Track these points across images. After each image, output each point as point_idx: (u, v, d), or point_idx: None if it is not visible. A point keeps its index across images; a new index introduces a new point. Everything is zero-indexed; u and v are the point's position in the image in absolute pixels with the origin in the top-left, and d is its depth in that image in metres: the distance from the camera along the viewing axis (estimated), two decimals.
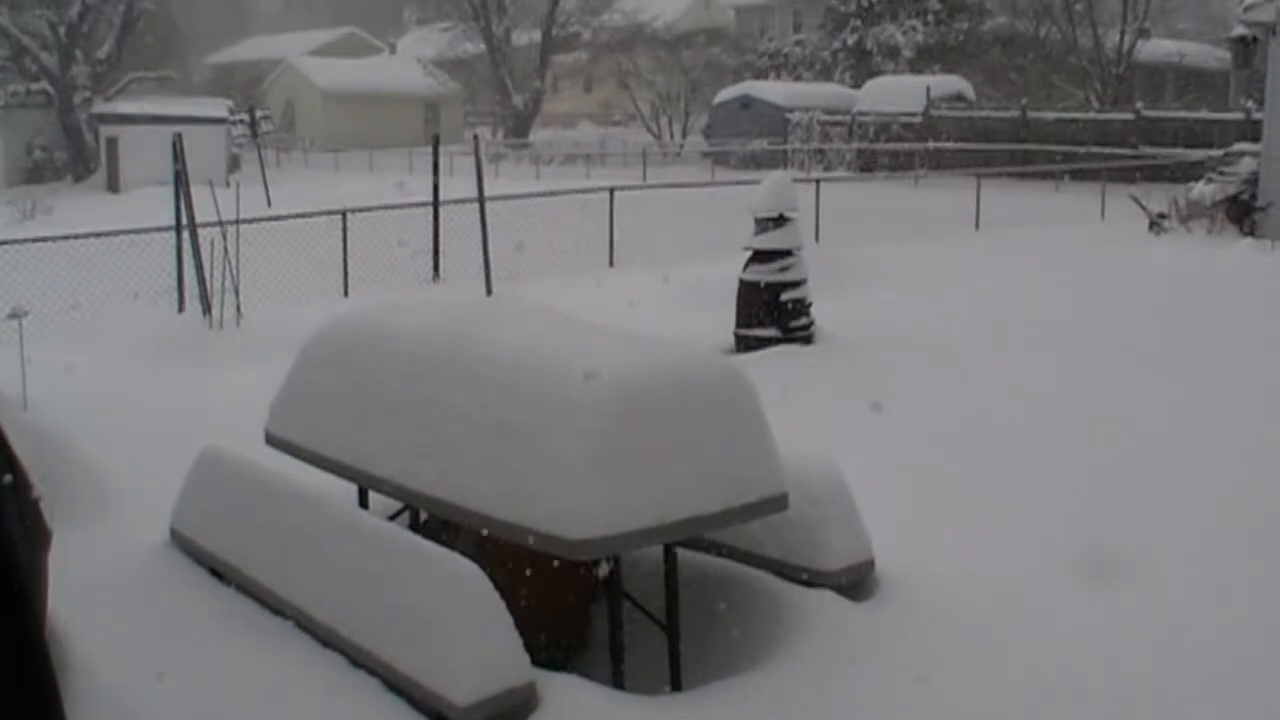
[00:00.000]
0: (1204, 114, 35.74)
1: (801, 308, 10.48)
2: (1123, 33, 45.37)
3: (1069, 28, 46.07)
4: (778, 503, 4.69)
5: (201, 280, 11.87)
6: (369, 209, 16.40)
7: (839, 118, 42.60)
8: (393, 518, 5.32)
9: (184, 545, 5.67)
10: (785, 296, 10.39)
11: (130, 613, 5.03)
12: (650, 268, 16.01)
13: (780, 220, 10.47)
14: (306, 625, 4.68)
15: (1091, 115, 38.42)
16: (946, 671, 4.63)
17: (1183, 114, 36.66)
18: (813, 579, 5.06)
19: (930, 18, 48.69)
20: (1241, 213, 18.55)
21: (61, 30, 45.20)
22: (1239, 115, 32.42)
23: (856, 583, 5.15)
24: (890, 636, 4.83)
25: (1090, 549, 5.71)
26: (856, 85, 46.08)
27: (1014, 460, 7.18)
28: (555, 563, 4.47)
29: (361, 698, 4.22)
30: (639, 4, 59.98)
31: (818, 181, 21.54)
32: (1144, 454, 7.11)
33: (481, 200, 14.43)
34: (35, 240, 13.97)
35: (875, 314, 11.47)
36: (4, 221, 25.26)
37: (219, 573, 5.37)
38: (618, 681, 4.51)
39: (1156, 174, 29.00)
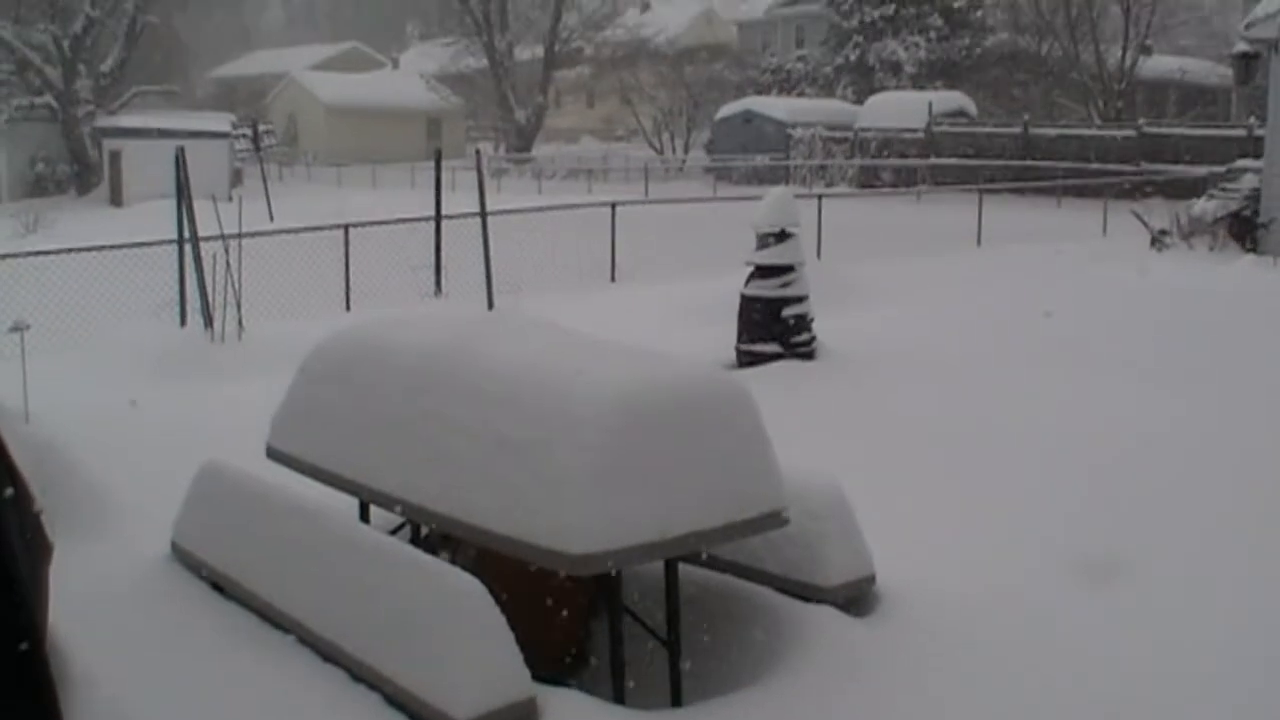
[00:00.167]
0: (1206, 130, 35.80)
1: (803, 323, 10.49)
2: (1125, 49, 45.47)
3: (1071, 44, 46.17)
4: (779, 518, 4.68)
5: (204, 294, 11.88)
6: (371, 223, 16.43)
7: (841, 133, 42.66)
8: (394, 532, 5.32)
9: (185, 559, 5.67)
10: (787, 312, 10.40)
11: (131, 626, 5.02)
12: (652, 283, 16.05)
13: (782, 236, 10.47)
14: (307, 639, 4.67)
15: (1093, 131, 38.50)
16: (947, 687, 4.62)
17: (1185, 130, 36.72)
18: (813, 594, 5.05)
19: (932, 34, 48.79)
20: (1243, 229, 18.58)
21: (65, 44, 45.33)
22: (1241, 132, 32.47)
23: (857, 598, 5.15)
24: (891, 652, 4.82)
25: (1090, 563, 5.72)
26: (859, 101, 46.16)
27: (1015, 475, 7.18)
28: (556, 577, 4.47)
29: (362, 712, 4.22)
30: (642, 19, 60.18)
31: (820, 197, 21.56)
32: (1143, 468, 7.11)
33: (484, 215, 14.45)
34: (38, 254, 13.99)
35: (877, 330, 11.48)
36: (7, 235, 25.31)
37: (220, 586, 5.36)
38: (618, 696, 4.51)
39: (1158, 190, 29.06)
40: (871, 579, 5.25)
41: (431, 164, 15.60)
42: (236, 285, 11.73)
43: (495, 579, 4.33)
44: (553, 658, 4.76)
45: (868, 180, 39.86)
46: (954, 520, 6.48)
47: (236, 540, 5.33)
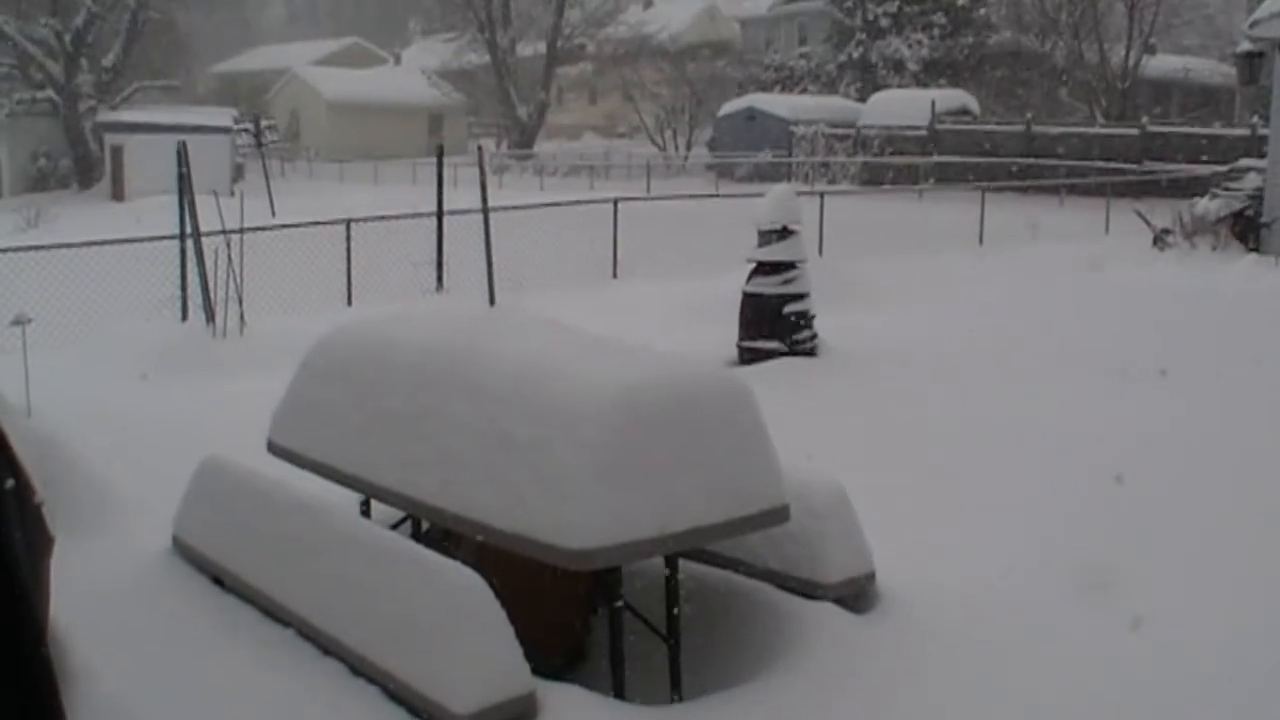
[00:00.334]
0: (1209, 129, 35.79)
1: (805, 320, 10.48)
2: (1128, 48, 45.48)
3: (1074, 43, 46.18)
4: (779, 515, 4.68)
5: (205, 289, 11.88)
6: (373, 219, 16.44)
7: (844, 131, 42.67)
8: (394, 527, 5.33)
9: (186, 553, 5.67)
10: (788, 309, 10.39)
11: (132, 619, 5.03)
12: (654, 279, 16.05)
13: (784, 233, 10.47)
14: (307, 633, 4.68)
15: (1096, 130, 38.51)
16: (946, 684, 4.63)
17: (1188, 129, 36.72)
18: (813, 591, 5.05)
19: (936, 32, 48.80)
20: (1246, 229, 18.56)
21: (67, 38, 45.32)
22: (1244, 131, 32.47)
23: (857, 595, 5.15)
24: (890, 649, 4.82)
25: (1089, 563, 5.72)
26: (861, 99, 46.19)
27: (1015, 474, 7.18)
28: (556, 573, 4.47)
29: (362, 706, 4.22)
30: (644, 16, 60.15)
31: (822, 195, 21.57)
32: (1143, 468, 7.09)
33: (485, 211, 14.45)
34: (38, 248, 13.99)
35: (879, 328, 11.48)
36: (8, 230, 25.33)
37: (221, 580, 5.37)
38: (618, 692, 4.51)
39: (1161, 189, 29.05)
40: (871, 576, 5.25)
41: (433, 160, 15.61)
42: (238, 280, 11.74)
43: (496, 574, 4.33)
44: (553, 653, 4.76)
45: (870, 178, 39.86)
46: (954, 519, 6.48)
47: (237, 535, 5.34)
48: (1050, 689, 4.61)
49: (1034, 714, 4.45)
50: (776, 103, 46.47)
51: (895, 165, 39.92)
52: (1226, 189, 19.76)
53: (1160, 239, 19.38)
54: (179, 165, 12.10)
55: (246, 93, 68.14)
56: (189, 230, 12.23)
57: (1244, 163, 22.20)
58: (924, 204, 30.64)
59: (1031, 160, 36.40)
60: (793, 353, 10.36)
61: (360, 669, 4.38)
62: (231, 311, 11.56)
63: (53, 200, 36.94)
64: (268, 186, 33.13)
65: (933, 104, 40.74)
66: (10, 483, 2.63)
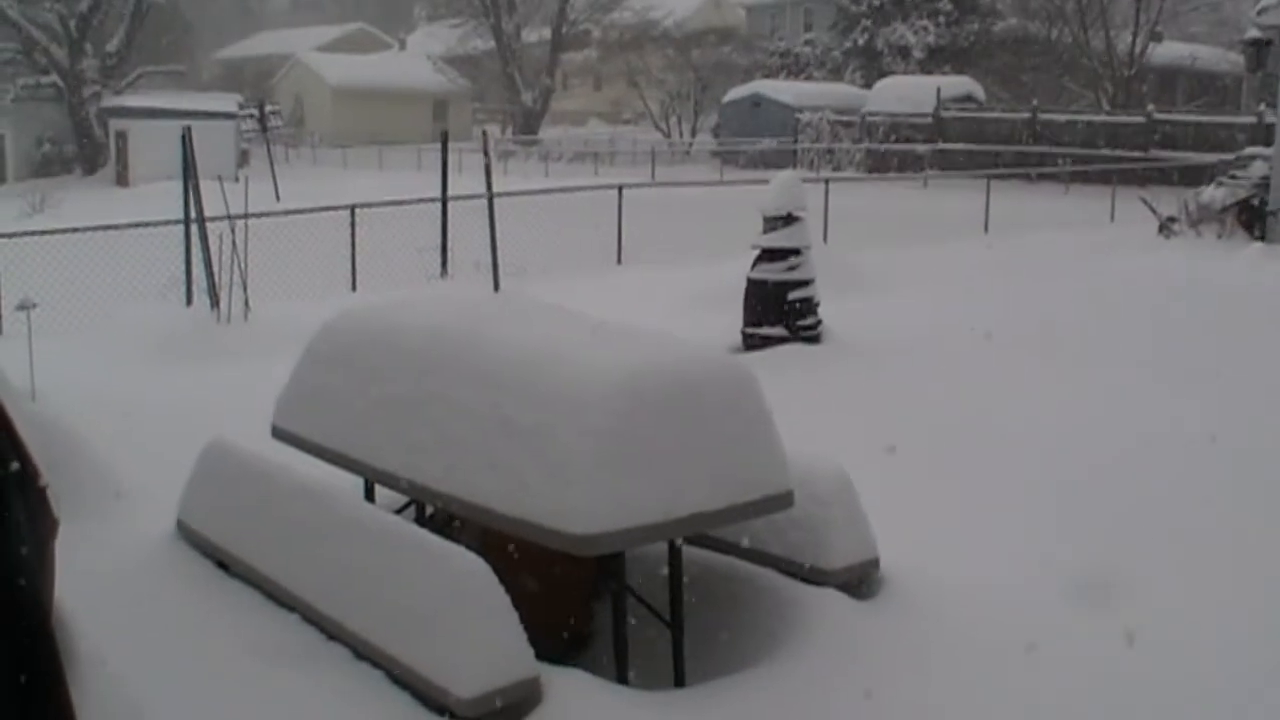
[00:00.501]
0: (1216, 117, 35.69)
1: (809, 307, 10.48)
2: (1135, 35, 45.32)
3: (1081, 30, 46.02)
4: (783, 500, 4.69)
5: (210, 274, 11.89)
6: (377, 204, 16.43)
7: (849, 118, 42.60)
8: (399, 511, 5.33)
9: (190, 537, 5.69)
10: (793, 296, 10.39)
11: (136, 603, 5.04)
12: (658, 266, 16.05)
13: (789, 219, 10.46)
14: (312, 618, 4.69)
15: (1102, 118, 38.41)
16: (948, 670, 4.63)
17: (1194, 117, 36.62)
18: (817, 577, 5.06)
19: (941, 19, 48.64)
20: (1252, 217, 18.51)
21: (71, 23, 45.32)
22: (1251, 119, 32.37)
23: (860, 581, 5.15)
24: (893, 635, 4.83)
25: (1090, 559, 5.72)
26: (867, 85, 46.06)
27: (1017, 466, 7.16)
28: (560, 558, 4.47)
29: (366, 690, 4.23)
30: (649, 2, 59.97)
31: (826, 181, 21.55)
32: (1145, 464, 7.06)
33: (490, 197, 14.45)
34: (44, 233, 14.01)
35: (883, 315, 11.47)
36: (13, 215, 25.34)
37: (225, 565, 5.38)
38: (622, 676, 4.52)
39: (1167, 177, 28.99)
40: (875, 563, 5.25)
41: (438, 146, 15.60)
42: (243, 266, 11.74)
43: (500, 559, 4.34)
44: (556, 638, 4.77)
45: (875, 165, 39.80)
46: (958, 505, 6.48)
47: (242, 519, 5.35)
48: (1049, 682, 4.60)
49: (1034, 707, 4.45)
50: (781, 89, 46.38)
51: (900, 152, 39.85)
52: (1233, 177, 19.70)
53: (1166, 227, 19.34)
54: (184, 151, 12.10)
55: (251, 78, 68.07)
56: (193, 215, 12.24)
57: (1250, 151, 22.12)
58: (928, 191, 30.58)
59: (1037, 148, 36.31)
60: (797, 339, 10.35)
61: (364, 653, 4.39)
62: (236, 297, 11.57)
63: (57, 186, 36.97)
64: (272, 172, 33.12)
65: (938, 91, 40.64)
66: (14, 466, 2.63)
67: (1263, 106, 31.50)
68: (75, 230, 13.93)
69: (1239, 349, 9.81)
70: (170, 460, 6.13)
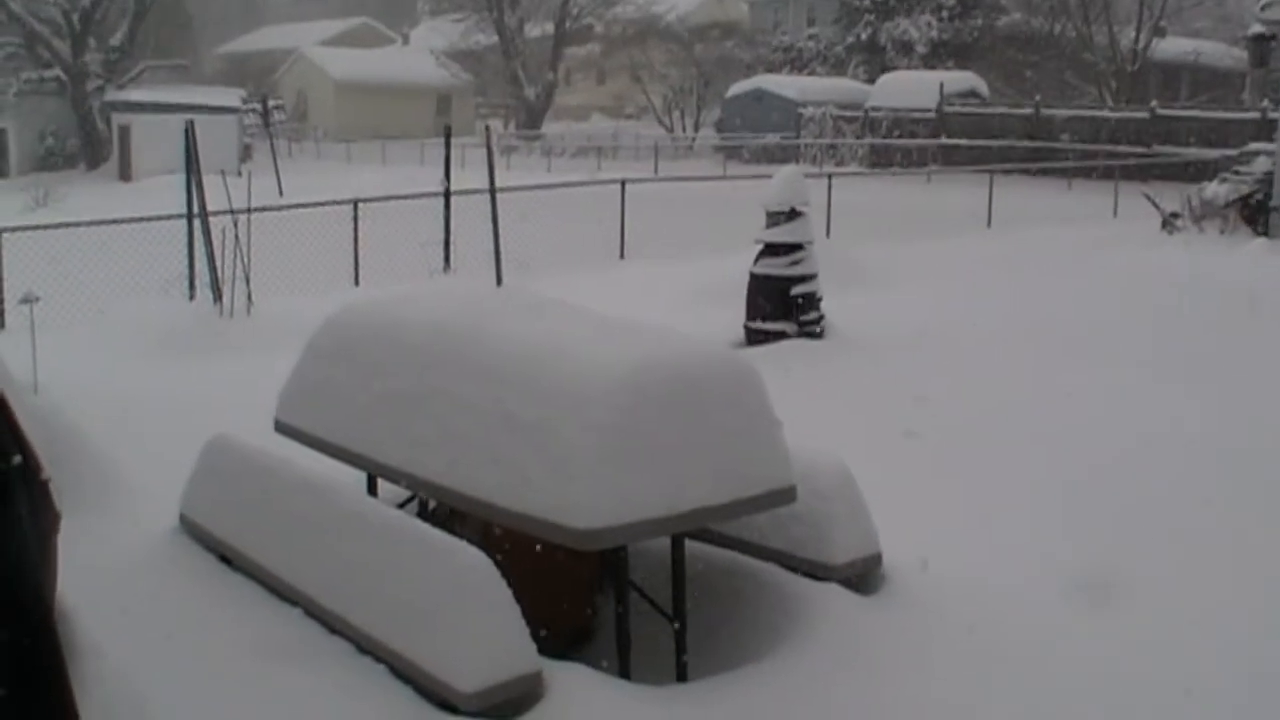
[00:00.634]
0: (1219, 113, 35.63)
1: (812, 302, 10.48)
2: (1138, 31, 45.22)
3: (1084, 25, 45.93)
4: (785, 495, 4.68)
5: (213, 268, 11.89)
6: (380, 199, 16.42)
7: (852, 113, 42.56)
8: (401, 506, 5.33)
9: (193, 531, 5.69)
10: (796, 291, 10.39)
11: (139, 597, 5.04)
12: (661, 261, 16.03)
13: (792, 214, 10.46)
14: (314, 611, 4.69)
15: (1105, 113, 38.36)
16: (950, 665, 4.63)
17: (1197, 113, 36.56)
18: (819, 572, 5.06)
19: (945, 13, 48.58)
20: (1255, 213, 18.48)
21: (75, 17, 45.30)
22: (1254, 115, 32.30)
23: (863, 577, 5.15)
24: (895, 631, 4.83)
25: (1091, 555, 5.72)
26: (870, 80, 46.02)
27: (1020, 460, 7.17)
28: (563, 553, 4.48)
29: (368, 684, 4.23)
30: None
31: (829, 176, 21.52)
32: (1146, 462, 7.05)
33: (493, 191, 14.44)
34: (46, 227, 14.00)
35: (886, 310, 11.46)
36: (16, 209, 25.33)
37: (228, 559, 5.38)
38: (624, 671, 4.52)
39: (1170, 173, 28.94)
40: (878, 558, 5.25)
41: (441, 141, 15.59)
42: (245, 260, 11.74)
43: (502, 554, 4.34)
44: (559, 633, 4.77)
45: (878, 160, 39.77)
46: (958, 504, 6.48)
47: (244, 513, 5.35)
48: (1050, 679, 4.61)
49: (1034, 705, 4.45)
50: (785, 84, 46.35)
51: (903, 147, 39.82)
52: (1236, 173, 19.68)
53: (1169, 223, 19.32)
54: (186, 145, 12.10)
55: (254, 73, 68.03)
56: (196, 210, 12.24)
57: (1253, 146, 22.10)
58: (932, 186, 30.56)
59: (1040, 143, 36.27)
60: (800, 334, 10.36)
61: (366, 647, 4.39)
62: (239, 291, 11.57)
63: (60, 180, 36.94)
64: (275, 166, 33.11)
65: (941, 86, 40.61)
66: (17, 459, 2.63)
67: (1266, 102, 31.47)
68: (78, 225, 13.93)
69: (1241, 345, 9.79)
70: (172, 454, 6.13)
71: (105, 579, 5.00)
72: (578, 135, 53.89)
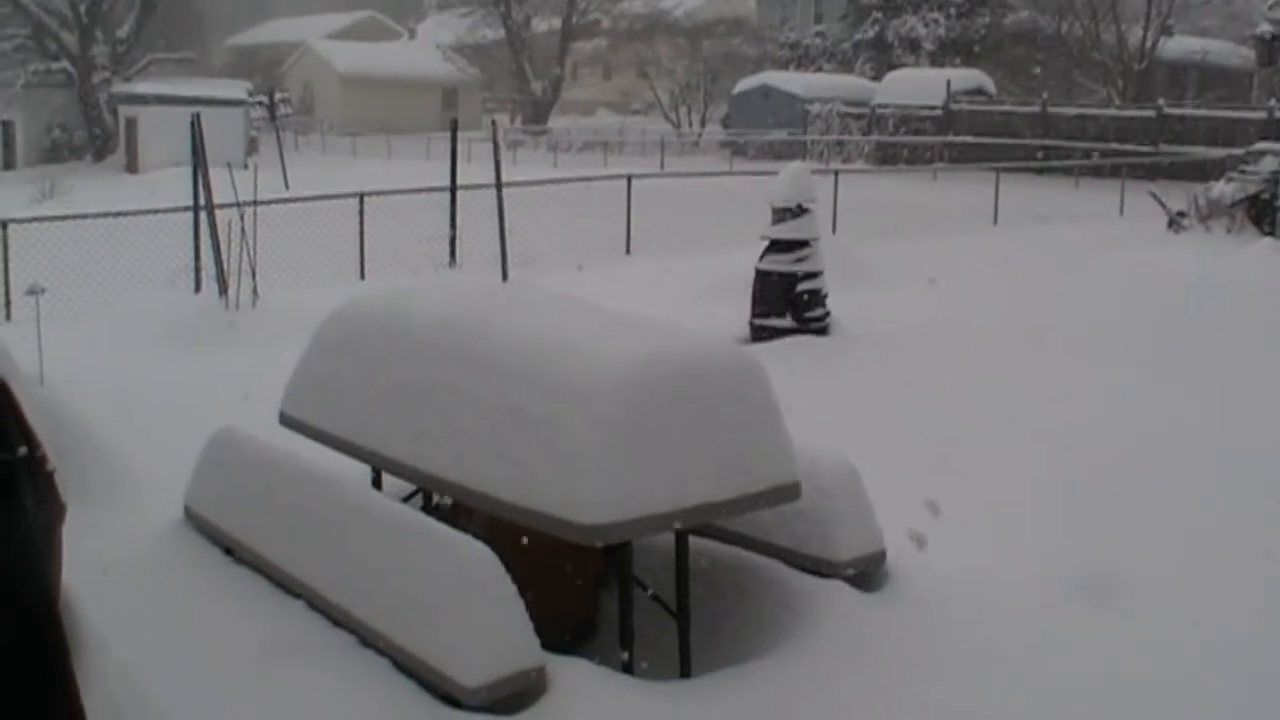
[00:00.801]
0: (1226, 112, 35.57)
1: (817, 299, 10.46)
2: (1146, 29, 45.14)
3: (1091, 23, 45.86)
4: (790, 492, 4.68)
5: (218, 261, 11.89)
6: (386, 193, 16.43)
7: (858, 110, 42.50)
8: (406, 500, 5.33)
9: (197, 524, 5.69)
10: (801, 287, 10.38)
11: (143, 589, 5.05)
12: (667, 256, 16.03)
13: (798, 211, 10.44)
14: (318, 605, 4.69)
15: (1113, 112, 38.30)
16: (953, 663, 4.63)
17: (1205, 112, 36.48)
18: (823, 569, 5.06)
19: (952, 11, 48.52)
20: (1262, 212, 18.44)
21: (82, 9, 45.28)
22: (1262, 114, 32.24)
23: (867, 574, 5.15)
24: (899, 628, 4.83)
25: (1092, 553, 5.71)
26: (876, 77, 45.96)
27: (1023, 458, 7.16)
28: (567, 548, 4.48)
29: (371, 678, 4.23)
30: None
31: (836, 173, 21.49)
32: (1148, 462, 7.03)
33: (499, 186, 14.43)
34: (53, 219, 14.01)
35: (891, 308, 11.45)
36: (23, 201, 25.34)
37: (232, 551, 5.38)
38: (627, 667, 4.52)
39: (1177, 172, 28.89)
40: (882, 555, 5.25)
41: (446, 135, 15.58)
42: (251, 253, 11.74)
43: (507, 548, 4.34)
44: (563, 628, 4.78)
45: (885, 157, 39.73)
46: (963, 499, 6.46)
47: (249, 506, 5.35)
48: (1050, 677, 4.60)
49: (1034, 704, 4.45)
50: (791, 80, 46.31)
51: (910, 145, 39.78)
52: (1243, 172, 19.63)
53: (1175, 222, 19.28)
54: (193, 137, 12.10)
55: (261, 66, 68.04)
56: (202, 202, 12.24)
57: (1261, 146, 22.03)
58: (938, 184, 30.52)
59: (1047, 141, 36.22)
60: (805, 331, 10.34)
61: (370, 641, 4.39)
62: (244, 284, 11.57)
63: (67, 172, 36.98)
64: (281, 160, 33.11)
65: (948, 84, 40.54)
66: (23, 450, 2.64)
67: (1273, 101, 31.39)
68: (84, 216, 13.94)
69: (1244, 345, 9.78)
70: (177, 447, 6.14)
71: (110, 571, 5.01)
72: (584, 130, 53.84)
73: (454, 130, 15.80)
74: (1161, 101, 37.66)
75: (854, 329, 10.47)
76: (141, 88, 44.06)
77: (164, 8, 49.89)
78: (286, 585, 4.92)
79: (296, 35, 71.86)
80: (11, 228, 12.90)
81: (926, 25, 48.42)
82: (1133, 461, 7.01)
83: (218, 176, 12.21)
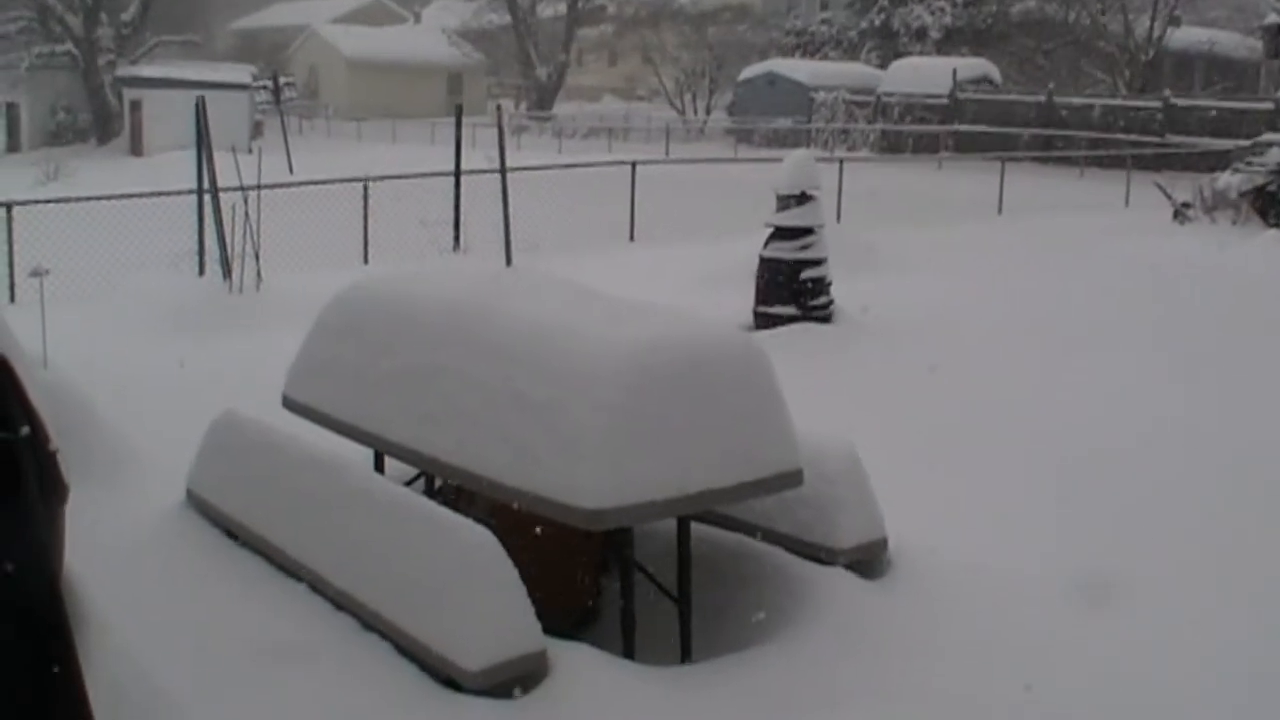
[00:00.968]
0: (1233, 103, 35.47)
1: (821, 286, 10.45)
2: (1153, 19, 44.97)
3: (1098, 13, 45.71)
4: (792, 479, 4.68)
5: (222, 245, 11.89)
6: (391, 177, 16.41)
7: (864, 98, 42.43)
8: (408, 483, 5.34)
9: (200, 507, 5.70)
10: (805, 275, 10.36)
11: (146, 571, 5.06)
12: (671, 243, 16.02)
13: (803, 198, 10.43)
14: (320, 588, 4.70)
15: (1119, 102, 38.20)
16: (955, 650, 4.63)
17: (1211, 103, 36.38)
18: (825, 556, 5.06)
19: (958, 0, 48.37)
20: (1267, 204, 18.39)
21: None
22: (1269, 105, 32.16)
23: (868, 561, 5.15)
24: (900, 615, 4.83)
25: (1093, 547, 5.71)
26: (882, 66, 45.86)
27: (1025, 450, 7.15)
28: (569, 533, 4.48)
29: (372, 661, 4.24)
30: None
31: (841, 161, 21.46)
32: (1150, 456, 7.01)
33: (503, 171, 14.42)
34: (57, 201, 14.01)
35: (895, 296, 11.43)
36: (28, 183, 25.34)
37: (234, 534, 5.39)
38: (628, 652, 4.53)
39: (1183, 162, 28.83)
40: (884, 543, 5.25)
41: (451, 120, 15.56)
42: (255, 236, 11.74)
43: (509, 533, 4.34)
44: (564, 612, 4.78)
45: (890, 146, 39.66)
46: (964, 488, 6.47)
47: (251, 489, 5.36)
48: (1050, 668, 4.60)
49: (1039, 682, 4.45)
50: (797, 68, 46.21)
51: (915, 133, 39.71)
52: (1249, 163, 19.57)
53: (1180, 212, 19.23)
54: (197, 121, 12.09)
55: (266, 49, 67.91)
56: (207, 186, 12.23)
57: (1267, 137, 21.96)
58: (943, 173, 30.46)
59: (1053, 131, 36.14)
60: (809, 318, 10.33)
61: (372, 624, 4.40)
62: (248, 267, 11.57)
63: (72, 154, 36.98)
64: (286, 143, 33.07)
65: (954, 72, 40.46)
66: (25, 430, 2.64)
67: None
68: (89, 199, 13.93)
69: (1248, 339, 9.74)
70: (180, 430, 6.14)
71: (112, 552, 5.01)
72: (589, 116, 53.75)
73: (459, 115, 15.77)
74: (1168, 92, 37.57)
75: (858, 317, 10.47)
76: (146, 71, 44.02)
77: None
78: (288, 568, 4.92)
79: (302, 19, 71.72)
80: (16, 210, 12.89)
81: (933, 13, 48.29)
82: (1134, 458, 6.99)
83: (222, 160, 12.20)
